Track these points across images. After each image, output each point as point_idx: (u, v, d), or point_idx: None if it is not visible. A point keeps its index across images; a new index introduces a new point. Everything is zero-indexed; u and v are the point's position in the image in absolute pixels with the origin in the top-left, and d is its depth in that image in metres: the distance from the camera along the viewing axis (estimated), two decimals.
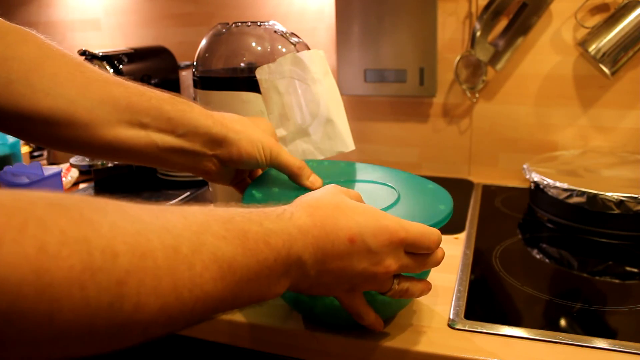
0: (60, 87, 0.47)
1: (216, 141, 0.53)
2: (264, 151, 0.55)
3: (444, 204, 0.54)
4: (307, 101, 0.66)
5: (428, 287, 0.50)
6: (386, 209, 0.52)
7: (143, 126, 0.51)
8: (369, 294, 0.49)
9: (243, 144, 0.54)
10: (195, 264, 0.32)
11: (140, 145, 0.51)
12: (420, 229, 0.44)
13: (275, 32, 0.73)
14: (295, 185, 0.58)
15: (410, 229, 0.43)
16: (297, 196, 0.55)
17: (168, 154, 0.53)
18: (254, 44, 0.73)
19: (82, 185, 1.04)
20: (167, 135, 0.52)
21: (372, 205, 0.45)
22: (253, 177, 0.63)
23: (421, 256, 0.46)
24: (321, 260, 0.40)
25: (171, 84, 1.11)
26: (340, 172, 0.64)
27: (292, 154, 0.68)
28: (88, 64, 0.50)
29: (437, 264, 0.48)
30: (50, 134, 0.48)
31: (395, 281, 0.46)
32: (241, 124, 0.55)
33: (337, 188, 0.46)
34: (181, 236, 0.32)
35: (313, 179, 0.58)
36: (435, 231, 0.46)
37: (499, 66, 0.97)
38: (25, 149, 1.21)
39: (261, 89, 0.68)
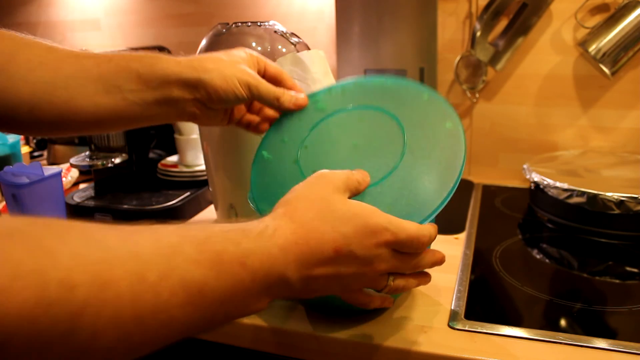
0: (36, 71, 0.49)
1: (191, 85, 0.53)
2: (241, 85, 0.53)
3: (446, 178, 0.48)
4: None
5: (425, 280, 0.49)
6: (379, 182, 0.48)
7: (118, 90, 0.51)
8: None
9: (217, 83, 0.52)
10: (162, 292, 0.31)
11: (120, 108, 0.52)
12: (409, 232, 0.43)
13: (275, 32, 0.73)
14: (301, 126, 0.56)
15: (398, 232, 0.42)
16: (304, 141, 0.53)
17: (150, 108, 0.53)
18: (254, 44, 0.73)
19: (82, 185, 1.04)
20: (142, 92, 0.52)
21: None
22: (254, 111, 0.61)
23: (411, 256, 0.45)
24: (305, 274, 0.40)
25: None
26: (352, 93, 0.58)
27: None
28: (58, 45, 0.52)
29: (433, 265, 0.47)
30: (36, 119, 0.50)
31: (390, 278, 0.45)
32: (213, 61, 0.54)
33: (326, 183, 0.44)
34: (149, 262, 0.31)
35: (295, 101, 0.57)
36: (426, 232, 0.44)
37: (499, 66, 0.97)
38: (25, 149, 1.21)
39: None
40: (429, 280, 0.49)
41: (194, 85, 0.53)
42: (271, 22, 0.74)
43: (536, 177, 0.85)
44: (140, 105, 0.52)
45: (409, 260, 0.45)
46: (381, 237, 0.42)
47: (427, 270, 0.48)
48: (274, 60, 0.67)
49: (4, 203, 0.90)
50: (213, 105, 0.55)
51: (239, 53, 0.57)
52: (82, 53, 0.52)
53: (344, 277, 0.42)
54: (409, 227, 0.43)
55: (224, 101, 0.54)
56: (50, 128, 0.51)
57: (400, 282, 0.46)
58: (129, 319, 0.30)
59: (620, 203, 0.75)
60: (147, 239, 0.33)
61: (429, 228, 0.45)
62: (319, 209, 0.41)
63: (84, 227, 0.31)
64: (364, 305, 0.47)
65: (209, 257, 0.34)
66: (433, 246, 0.60)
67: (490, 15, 0.95)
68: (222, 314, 0.36)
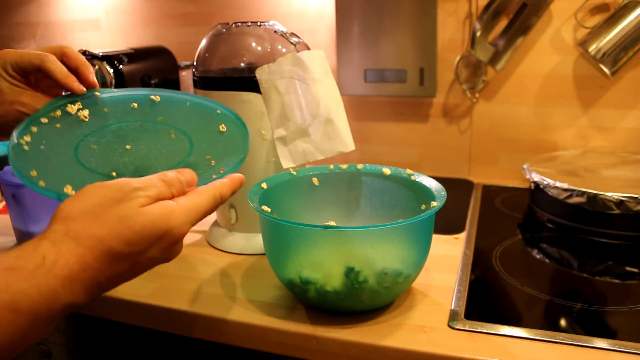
0: None
1: None
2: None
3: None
4: (307, 101, 0.66)
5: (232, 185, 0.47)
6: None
7: None
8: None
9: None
10: None
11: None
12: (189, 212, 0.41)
13: (275, 32, 0.73)
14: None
15: (185, 223, 0.41)
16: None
17: None
18: (254, 44, 0.73)
19: None
20: None
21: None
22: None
23: (197, 210, 0.43)
24: (96, 291, 0.38)
25: (171, 84, 1.11)
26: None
27: (292, 155, 0.68)
28: None
29: (191, 186, 0.44)
30: None
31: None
32: None
33: (114, 195, 0.39)
34: None
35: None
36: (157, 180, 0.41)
37: (499, 66, 0.97)
38: None
39: (261, 89, 0.68)
40: (234, 183, 0.48)
41: None
42: (271, 22, 0.74)
43: (536, 177, 0.85)
44: None
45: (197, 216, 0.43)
46: (176, 236, 0.40)
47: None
48: (274, 60, 0.67)
49: (4, 203, 0.90)
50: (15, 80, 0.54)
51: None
52: None
53: (143, 270, 0.41)
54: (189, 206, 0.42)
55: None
56: None
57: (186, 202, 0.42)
58: None
59: (620, 203, 0.75)
60: None
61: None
62: (110, 225, 0.38)
63: None
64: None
65: None
66: (434, 248, 0.60)
67: (490, 15, 0.95)
68: (5, 353, 0.34)
